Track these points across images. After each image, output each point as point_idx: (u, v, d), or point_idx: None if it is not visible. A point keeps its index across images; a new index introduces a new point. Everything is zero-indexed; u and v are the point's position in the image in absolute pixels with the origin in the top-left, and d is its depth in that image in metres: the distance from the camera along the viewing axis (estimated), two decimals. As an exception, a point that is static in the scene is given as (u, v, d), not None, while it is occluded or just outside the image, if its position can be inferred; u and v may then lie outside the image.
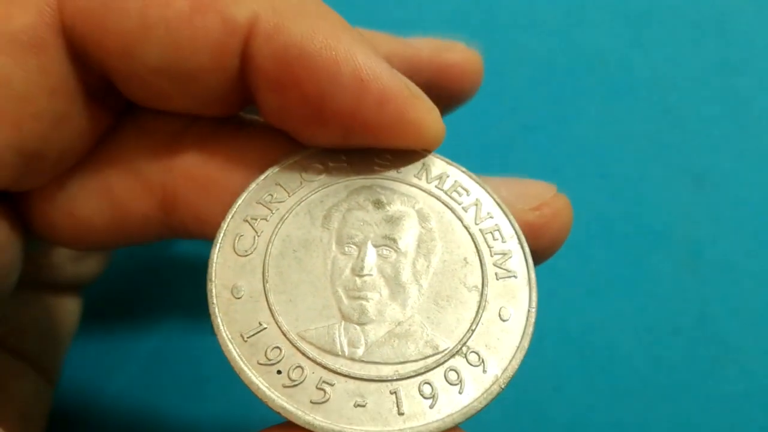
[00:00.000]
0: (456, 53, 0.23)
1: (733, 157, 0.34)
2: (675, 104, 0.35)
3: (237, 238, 0.17)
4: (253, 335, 0.16)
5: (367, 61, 0.16)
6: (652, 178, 0.33)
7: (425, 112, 0.17)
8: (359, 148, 0.18)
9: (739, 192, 0.33)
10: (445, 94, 0.24)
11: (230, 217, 0.18)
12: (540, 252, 0.19)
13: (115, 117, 0.19)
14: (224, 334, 0.16)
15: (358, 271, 0.17)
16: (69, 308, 0.26)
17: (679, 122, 0.34)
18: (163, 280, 0.31)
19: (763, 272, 0.31)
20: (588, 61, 0.36)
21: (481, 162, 0.20)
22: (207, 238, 0.18)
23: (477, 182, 0.19)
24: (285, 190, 0.18)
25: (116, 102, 0.19)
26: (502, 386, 0.16)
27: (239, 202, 0.18)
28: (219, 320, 0.16)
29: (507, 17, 0.37)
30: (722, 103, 0.35)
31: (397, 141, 0.18)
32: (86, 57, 0.17)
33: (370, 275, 0.17)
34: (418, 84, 0.18)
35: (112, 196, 0.19)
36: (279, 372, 0.16)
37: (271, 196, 0.18)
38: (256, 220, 0.18)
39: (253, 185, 0.18)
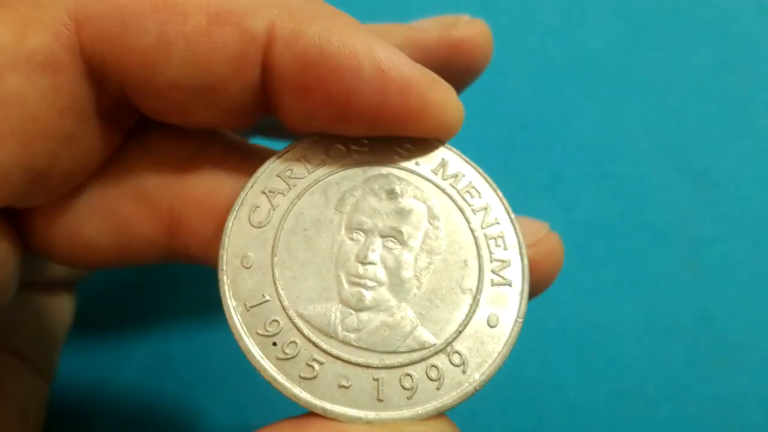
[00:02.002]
0: (464, 27, 0.23)
1: (732, 156, 0.34)
2: (675, 104, 0.35)
3: (253, 210, 0.18)
4: (256, 306, 0.17)
5: (385, 53, 0.17)
6: (652, 178, 0.33)
7: (446, 93, 0.18)
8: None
9: (739, 192, 0.33)
10: (459, 70, 0.24)
11: (250, 186, 0.18)
12: (534, 287, 0.19)
13: (124, 137, 0.19)
14: (229, 303, 0.17)
15: (361, 259, 0.18)
16: (63, 306, 0.26)
17: (679, 122, 0.34)
18: (163, 278, 0.31)
19: (763, 272, 0.31)
20: (588, 61, 0.36)
21: (481, 163, 0.20)
22: (209, 264, 0.18)
23: (491, 186, 0.19)
24: (305, 167, 0.19)
25: (127, 121, 0.19)
26: (477, 388, 0.17)
27: (261, 173, 0.18)
28: (226, 287, 0.17)
29: (507, 17, 0.37)
30: (722, 103, 0.35)
31: (421, 126, 0.18)
32: (104, 76, 0.17)
33: (373, 264, 0.18)
34: (432, 65, 0.18)
35: (117, 217, 0.19)
36: (275, 344, 0.16)
37: (291, 171, 0.19)
38: (273, 193, 0.18)
39: (275, 158, 0.19)
